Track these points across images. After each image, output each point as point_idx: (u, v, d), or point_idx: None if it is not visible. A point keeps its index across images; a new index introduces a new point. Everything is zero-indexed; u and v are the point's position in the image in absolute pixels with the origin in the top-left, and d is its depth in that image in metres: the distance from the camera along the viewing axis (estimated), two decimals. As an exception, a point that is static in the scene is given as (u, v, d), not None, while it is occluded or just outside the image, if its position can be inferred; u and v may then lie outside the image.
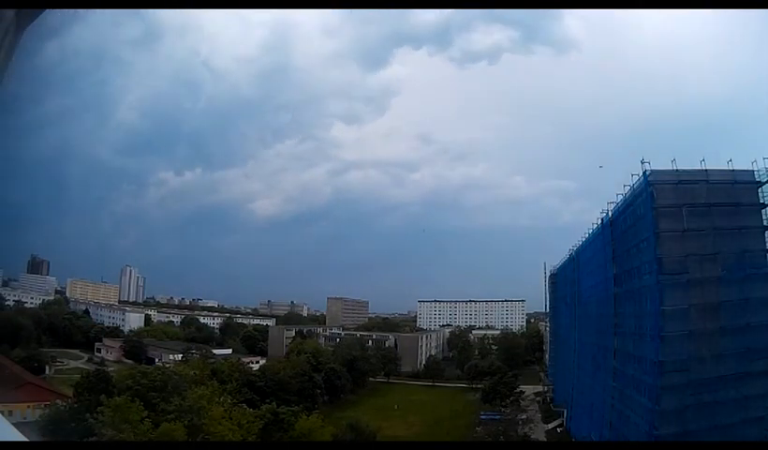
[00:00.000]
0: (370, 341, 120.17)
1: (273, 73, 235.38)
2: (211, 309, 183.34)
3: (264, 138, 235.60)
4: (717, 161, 37.70)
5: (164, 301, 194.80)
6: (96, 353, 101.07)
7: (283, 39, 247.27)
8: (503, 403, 77.21)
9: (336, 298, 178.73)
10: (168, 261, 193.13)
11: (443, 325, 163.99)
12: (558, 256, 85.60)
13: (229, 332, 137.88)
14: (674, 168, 38.19)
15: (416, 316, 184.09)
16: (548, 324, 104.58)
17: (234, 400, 53.25)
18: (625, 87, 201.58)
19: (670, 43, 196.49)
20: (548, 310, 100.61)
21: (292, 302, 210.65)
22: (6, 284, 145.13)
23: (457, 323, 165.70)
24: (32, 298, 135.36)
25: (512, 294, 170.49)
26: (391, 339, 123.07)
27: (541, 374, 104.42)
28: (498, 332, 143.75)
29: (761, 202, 37.40)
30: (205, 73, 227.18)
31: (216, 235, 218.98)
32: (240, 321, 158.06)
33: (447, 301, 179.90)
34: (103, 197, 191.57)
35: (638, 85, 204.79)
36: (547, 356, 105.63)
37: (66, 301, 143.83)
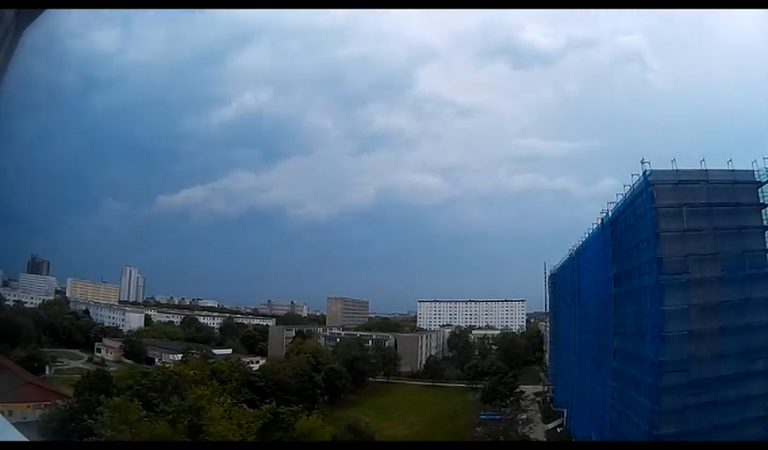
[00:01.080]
0: (370, 341, 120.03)
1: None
2: (211, 309, 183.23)
3: (314, 141, 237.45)
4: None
5: (164, 301, 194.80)
6: (96, 353, 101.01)
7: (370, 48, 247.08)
8: (503, 403, 77.16)
9: (336, 298, 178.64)
10: (168, 261, 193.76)
11: (443, 325, 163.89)
12: (558, 256, 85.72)
13: (229, 332, 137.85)
14: (674, 168, 38.25)
15: (416, 316, 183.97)
16: (548, 324, 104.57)
17: (234, 400, 53.16)
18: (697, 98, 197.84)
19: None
20: (548, 310, 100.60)
21: (292, 302, 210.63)
22: (6, 284, 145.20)
23: (457, 323, 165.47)
24: (32, 298, 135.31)
25: (512, 294, 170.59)
26: (391, 339, 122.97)
27: (541, 374, 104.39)
28: (498, 332, 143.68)
29: (761, 202, 37.42)
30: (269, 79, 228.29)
31: (233, 238, 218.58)
32: (240, 321, 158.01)
33: (447, 301, 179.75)
34: (108, 198, 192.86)
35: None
36: (547, 356, 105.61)
37: (66, 301, 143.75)
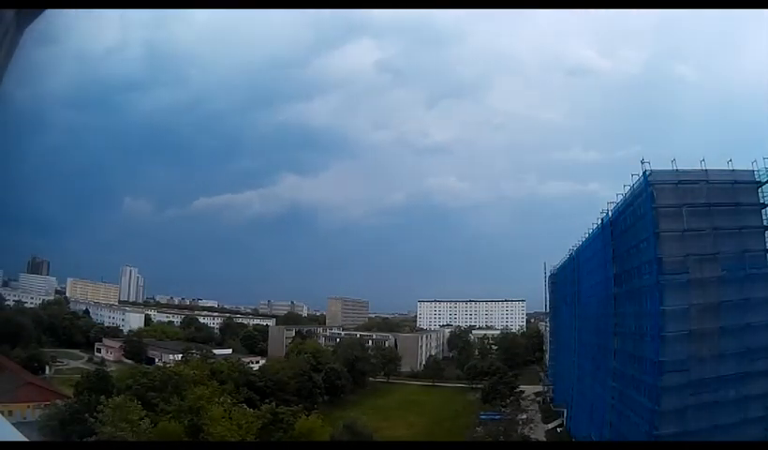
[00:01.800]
0: (370, 341, 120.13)
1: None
2: (211, 309, 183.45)
3: (360, 145, 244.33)
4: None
5: (164, 301, 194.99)
6: (96, 353, 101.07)
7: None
8: (503, 403, 77.18)
9: (336, 298, 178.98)
10: (168, 261, 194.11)
11: (443, 325, 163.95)
12: (558, 256, 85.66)
13: (229, 332, 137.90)
14: (674, 168, 38.20)
15: (416, 316, 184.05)
16: (548, 324, 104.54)
17: (234, 400, 53.22)
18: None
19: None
20: (548, 310, 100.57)
21: (292, 302, 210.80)
22: (6, 284, 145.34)
23: (457, 323, 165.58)
24: (32, 298, 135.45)
25: (512, 294, 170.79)
26: (391, 339, 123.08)
27: (541, 374, 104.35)
28: (498, 332, 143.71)
29: (761, 202, 37.39)
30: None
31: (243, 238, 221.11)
32: (240, 321, 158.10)
33: (447, 301, 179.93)
34: (126, 199, 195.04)
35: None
36: (547, 356, 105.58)
37: (66, 301, 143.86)
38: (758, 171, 37.19)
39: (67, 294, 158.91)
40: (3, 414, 9.87)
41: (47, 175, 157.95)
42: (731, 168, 37.70)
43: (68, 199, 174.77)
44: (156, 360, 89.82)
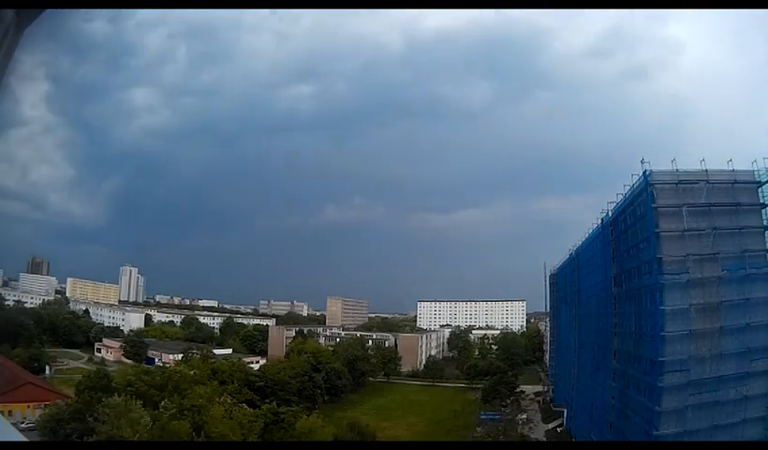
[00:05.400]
0: (370, 341, 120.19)
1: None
2: (211, 309, 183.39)
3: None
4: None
5: (164, 301, 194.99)
6: (96, 353, 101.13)
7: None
8: (503, 403, 77.23)
9: (336, 298, 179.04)
10: (168, 260, 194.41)
11: (443, 325, 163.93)
12: (559, 256, 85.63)
13: (229, 332, 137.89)
14: (674, 168, 38.19)
15: (416, 316, 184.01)
16: (548, 324, 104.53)
17: (234, 400, 53.26)
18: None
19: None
20: (548, 310, 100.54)
21: (292, 302, 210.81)
22: (6, 284, 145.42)
23: (457, 323, 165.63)
24: (32, 298, 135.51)
25: (512, 294, 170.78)
26: (391, 339, 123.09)
27: (541, 374, 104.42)
28: (498, 332, 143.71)
29: (761, 202, 37.37)
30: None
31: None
32: (240, 321, 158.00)
33: (447, 301, 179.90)
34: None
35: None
36: (547, 356, 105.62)
37: (66, 301, 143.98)
38: (758, 171, 37.19)
39: (67, 294, 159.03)
40: (3, 414, 9.89)
41: (46, 174, 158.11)
42: (731, 168, 37.71)
43: (68, 198, 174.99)
44: (156, 360, 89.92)
